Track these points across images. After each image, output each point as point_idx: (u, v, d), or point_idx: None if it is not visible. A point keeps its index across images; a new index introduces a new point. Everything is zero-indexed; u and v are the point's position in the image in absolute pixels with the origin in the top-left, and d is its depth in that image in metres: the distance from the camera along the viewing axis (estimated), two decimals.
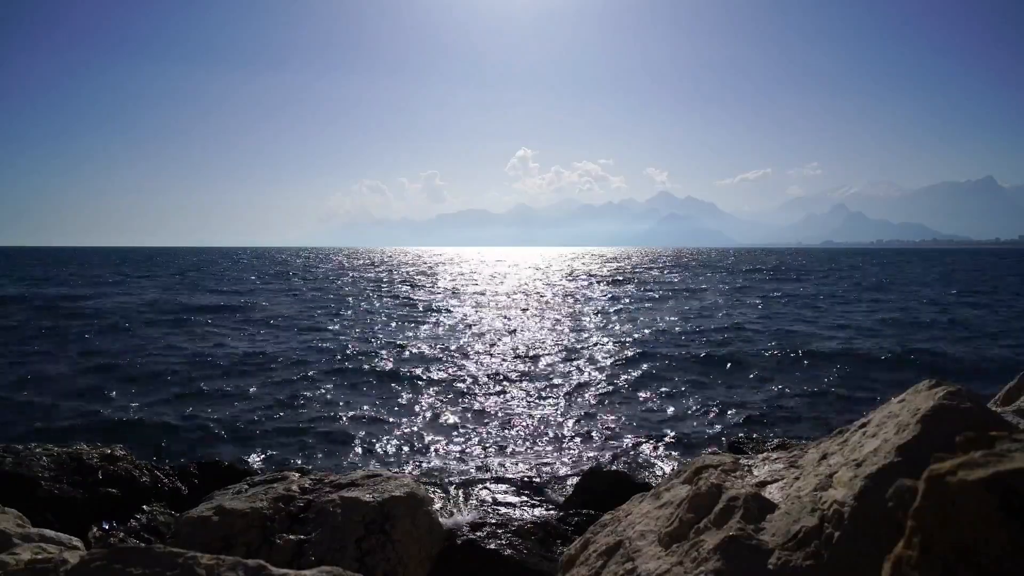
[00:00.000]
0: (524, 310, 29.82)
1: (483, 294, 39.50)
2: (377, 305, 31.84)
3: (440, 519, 4.30)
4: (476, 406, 12.25)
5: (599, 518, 3.21)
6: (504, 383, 14.17)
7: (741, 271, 69.39)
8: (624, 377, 14.82)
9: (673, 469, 3.06)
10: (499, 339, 20.58)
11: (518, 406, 12.29)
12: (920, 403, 2.24)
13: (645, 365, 16.24)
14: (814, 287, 43.97)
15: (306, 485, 4.14)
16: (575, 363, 16.48)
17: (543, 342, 19.97)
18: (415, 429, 10.90)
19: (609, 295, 38.63)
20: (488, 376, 14.90)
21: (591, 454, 9.68)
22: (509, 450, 9.78)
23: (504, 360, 16.90)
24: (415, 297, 37.00)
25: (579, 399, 12.82)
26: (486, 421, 11.30)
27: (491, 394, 13.21)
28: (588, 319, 26.11)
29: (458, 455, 9.60)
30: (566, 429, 10.87)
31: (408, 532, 3.85)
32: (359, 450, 9.94)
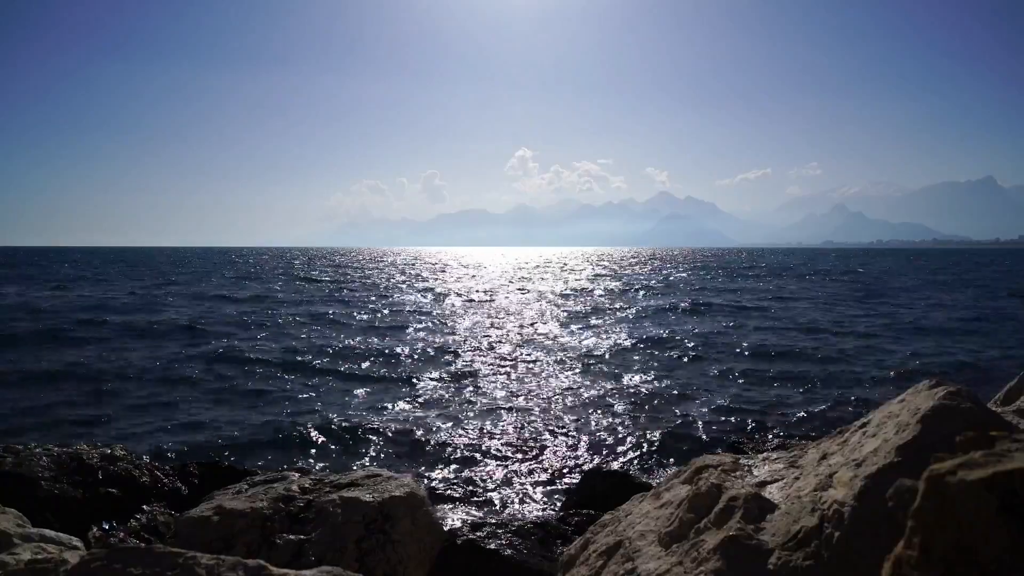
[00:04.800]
0: (525, 312, 29.83)
1: (484, 295, 39.51)
2: (375, 306, 31.85)
3: (440, 519, 4.31)
4: (476, 407, 12.25)
5: (599, 518, 3.21)
6: (504, 383, 14.18)
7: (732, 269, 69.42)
8: (624, 377, 14.81)
9: (673, 469, 3.06)
10: (499, 340, 20.59)
11: (518, 406, 12.29)
12: (920, 403, 2.24)
13: (644, 365, 16.24)
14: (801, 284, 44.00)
15: (306, 485, 4.14)
16: (575, 364, 16.48)
17: (543, 343, 19.97)
18: (415, 429, 10.89)
19: (609, 297, 38.64)
20: (488, 377, 14.91)
21: (591, 454, 9.68)
22: (509, 450, 9.78)
23: (504, 361, 16.90)
24: (414, 298, 37.02)
25: (579, 400, 12.82)
26: (486, 421, 11.30)
27: (491, 395, 13.21)
28: (588, 320, 26.11)
29: (458, 455, 9.59)
30: (566, 429, 10.87)
31: (408, 532, 3.85)
32: (359, 450, 9.94)
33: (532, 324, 24.39)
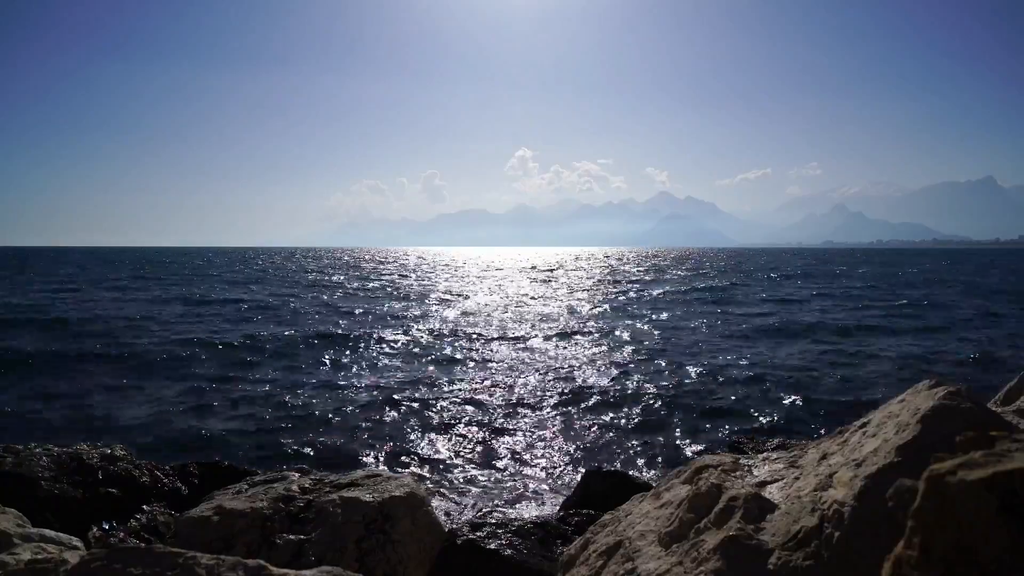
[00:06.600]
0: (527, 313, 29.84)
1: (487, 295, 39.51)
2: (375, 306, 31.83)
3: (440, 519, 4.30)
4: (476, 407, 12.25)
5: (599, 518, 3.21)
6: (504, 384, 14.17)
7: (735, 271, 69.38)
8: (624, 378, 14.81)
9: (673, 469, 3.05)
10: (499, 341, 20.59)
11: (518, 407, 12.29)
12: (920, 403, 2.24)
13: (645, 366, 16.24)
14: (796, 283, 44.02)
15: (306, 485, 4.14)
16: (575, 364, 16.48)
17: (543, 343, 19.97)
18: (415, 430, 10.89)
19: (609, 297, 38.64)
20: (488, 377, 14.91)
21: (591, 454, 9.68)
22: (509, 450, 9.78)
23: (504, 361, 16.90)
24: (414, 298, 37.01)
25: (579, 400, 12.82)
26: (486, 422, 11.30)
27: (491, 395, 13.21)
28: (588, 320, 26.10)
29: (458, 455, 9.60)
30: (566, 430, 10.87)
31: (408, 532, 3.85)
32: (359, 450, 9.93)
33: (534, 326, 24.40)
